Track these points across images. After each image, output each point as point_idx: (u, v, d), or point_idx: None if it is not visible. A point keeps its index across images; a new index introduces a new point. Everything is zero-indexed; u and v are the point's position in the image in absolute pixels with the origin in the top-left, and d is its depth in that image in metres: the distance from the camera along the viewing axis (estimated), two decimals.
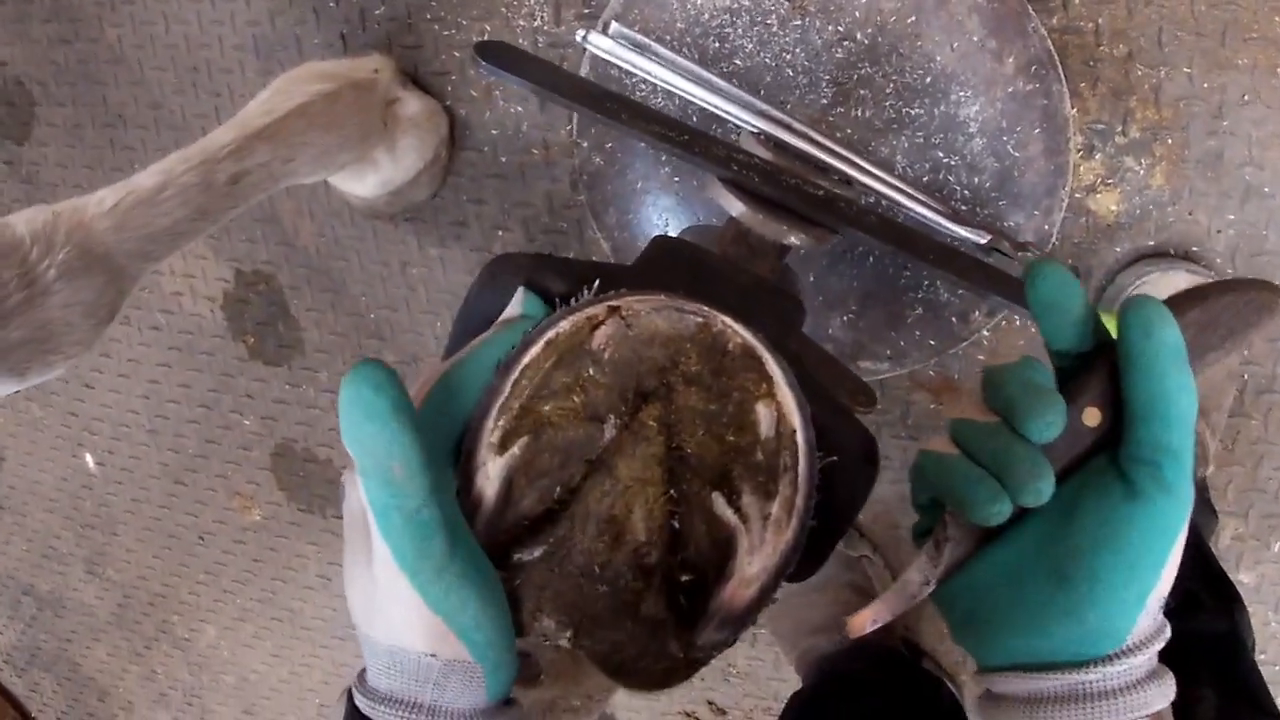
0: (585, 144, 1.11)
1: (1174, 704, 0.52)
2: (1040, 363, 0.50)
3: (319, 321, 1.40)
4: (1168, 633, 0.51)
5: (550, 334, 0.52)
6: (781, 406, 0.53)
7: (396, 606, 0.48)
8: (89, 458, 1.72)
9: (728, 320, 0.53)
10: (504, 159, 1.20)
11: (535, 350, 0.52)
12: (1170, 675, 0.51)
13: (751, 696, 1.47)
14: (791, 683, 1.40)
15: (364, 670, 0.54)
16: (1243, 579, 1.18)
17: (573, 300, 0.54)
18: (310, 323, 1.41)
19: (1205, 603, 0.96)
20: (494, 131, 1.19)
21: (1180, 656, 0.85)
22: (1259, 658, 1.21)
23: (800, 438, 0.52)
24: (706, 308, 0.53)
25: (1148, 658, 0.50)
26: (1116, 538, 0.47)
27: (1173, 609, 0.51)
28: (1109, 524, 0.48)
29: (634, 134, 0.82)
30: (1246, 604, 1.18)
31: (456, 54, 1.18)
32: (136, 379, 1.59)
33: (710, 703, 1.50)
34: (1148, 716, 0.50)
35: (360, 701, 0.52)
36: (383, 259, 1.32)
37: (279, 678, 1.81)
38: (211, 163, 0.94)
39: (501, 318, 0.55)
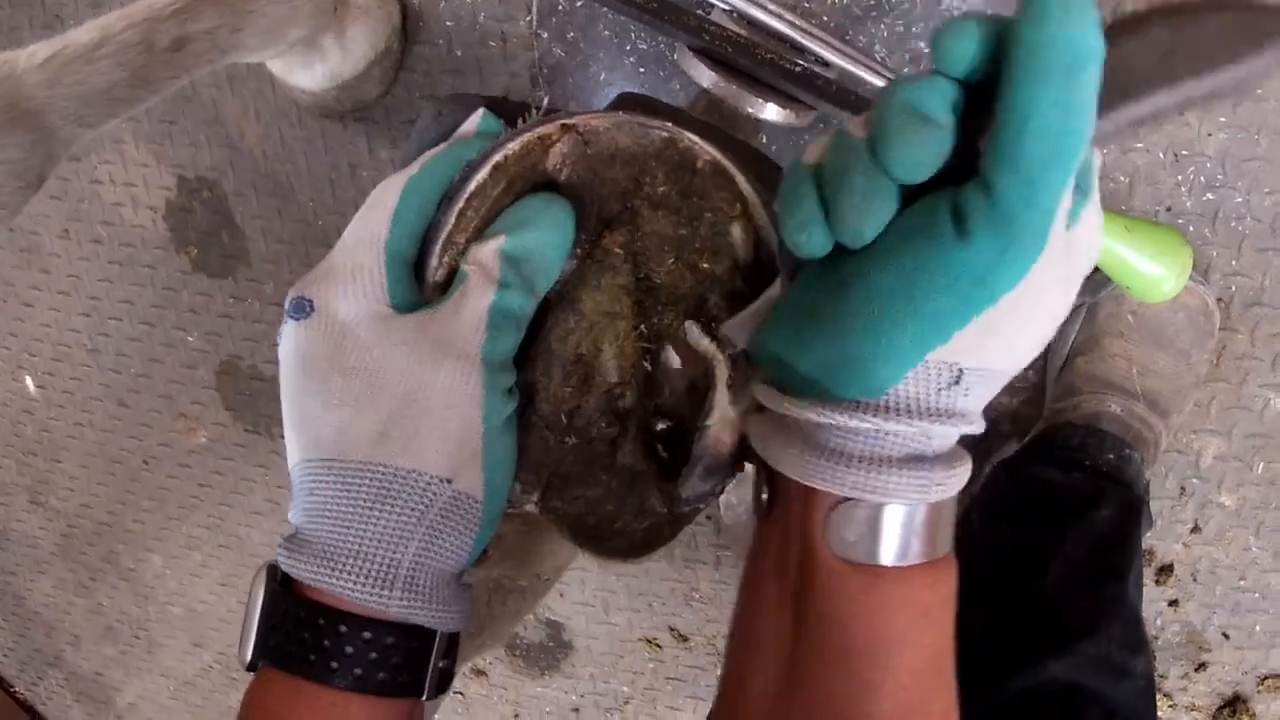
0: (546, 35, 1.04)
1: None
2: (955, 89, 0.37)
3: (265, 230, 1.33)
4: (969, 428, 0.41)
5: (498, 157, 0.47)
6: (759, 229, 0.48)
7: (437, 419, 0.44)
8: (29, 380, 1.65)
9: (694, 138, 0.48)
10: (459, 53, 1.13)
11: (481, 176, 0.47)
12: (956, 468, 0.42)
13: (715, 622, 1.43)
14: None
15: (292, 537, 0.47)
16: (1224, 501, 1.15)
17: (523, 118, 0.48)
18: (256, 231, 1.34)
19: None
20: (449, 23, 1.12)
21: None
22: (1238, 584, 1.19)
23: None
24: (670, 124, 0.48)
25: (907, 431, 0.40)
26: (909, 257, 0.37)
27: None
28: (910, 241, 0.38)
29: (599, 2, 0.76)
30: (1226, 529, 1.16)
31: None
32: (77, 296, 1.52)
33: (672, 629, 1.46)
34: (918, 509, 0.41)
35: (308, 572, 0.45)
36: (332, 162, 1.25)
37: (227, 608, 1.76)
38: (155, 21, 0.87)
39: (457, 132, 0.50)
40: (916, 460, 0.41)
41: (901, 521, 0.41)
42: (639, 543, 0.49)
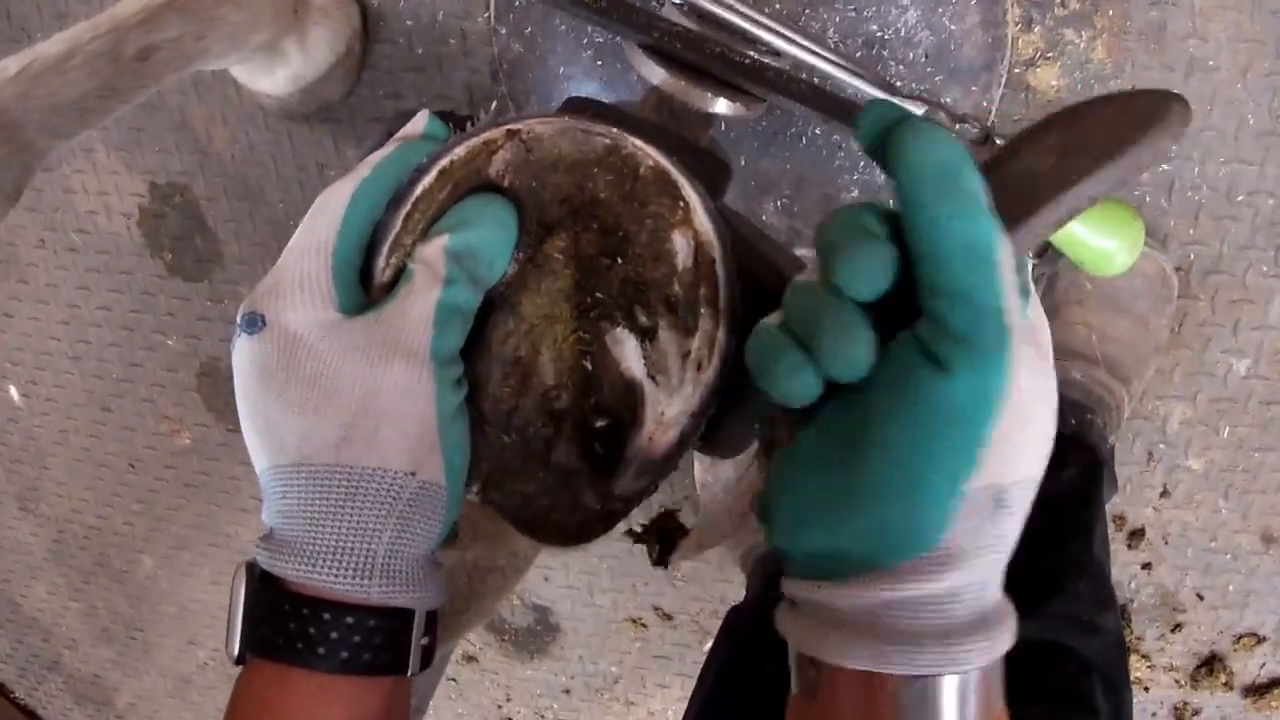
0: (504, 30, 1.05)
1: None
2: (884, 208, 0.40)
3: (238, 232, 1.34)
4: (1009, 552, 0.42)
5: (444, 161, 0.48)
6: (699, 234, 0.49)
7: (393, 417, 0.45)
8: (13, 389, 1.66)
9: (638, 142, 0.49)
10: (420, 50, 1.14)
11: (428, 180, 0.48)
12: (1009, 620, 0.43)
13: (698, 600, 1.45)
14: (737, 583, 1.38)
15: (269, 537, 0.48)
16: (1192, 465, 1.17)
17: (468, 125, 0.49)
18: (229, 234, 1.35)
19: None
20: (409, 22, 1.13)
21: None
22: (1209, 545, 1.21)
23: (720, 268, 0.48)
24: (615, 129, 0.48)
25: (970, 581, 0.40)
26: (907, 405, 0.38)
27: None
28: (900, 387, 0.38)
29: (550, 1, 0.77)
30: (1195, 493, 1.18)
31: None
32: (56, 304, 1.53)
33: (656, 608, 1.49)
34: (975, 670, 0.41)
35: (289, 569, 0.46)
36: (299, 163, 1.26)
37: (219, 605, 1.77)
38: (121, 31, 0.88)
39: (400, 134, 0.50)
40: (980, 621, 0.41)
41: (957, 689, 0.41)
42: (573, 534, 0.50)
